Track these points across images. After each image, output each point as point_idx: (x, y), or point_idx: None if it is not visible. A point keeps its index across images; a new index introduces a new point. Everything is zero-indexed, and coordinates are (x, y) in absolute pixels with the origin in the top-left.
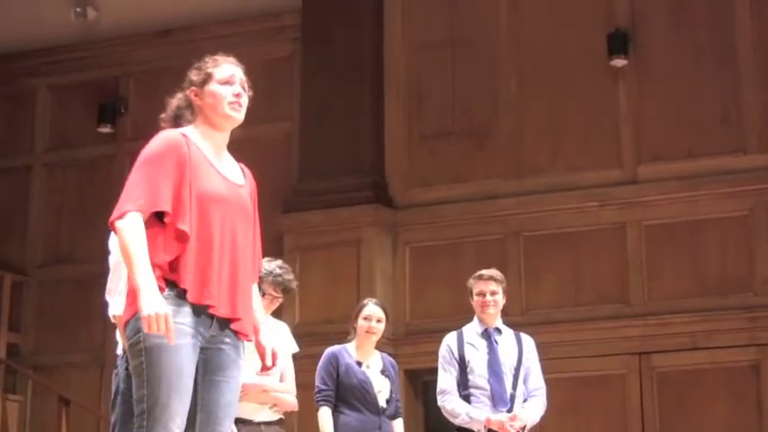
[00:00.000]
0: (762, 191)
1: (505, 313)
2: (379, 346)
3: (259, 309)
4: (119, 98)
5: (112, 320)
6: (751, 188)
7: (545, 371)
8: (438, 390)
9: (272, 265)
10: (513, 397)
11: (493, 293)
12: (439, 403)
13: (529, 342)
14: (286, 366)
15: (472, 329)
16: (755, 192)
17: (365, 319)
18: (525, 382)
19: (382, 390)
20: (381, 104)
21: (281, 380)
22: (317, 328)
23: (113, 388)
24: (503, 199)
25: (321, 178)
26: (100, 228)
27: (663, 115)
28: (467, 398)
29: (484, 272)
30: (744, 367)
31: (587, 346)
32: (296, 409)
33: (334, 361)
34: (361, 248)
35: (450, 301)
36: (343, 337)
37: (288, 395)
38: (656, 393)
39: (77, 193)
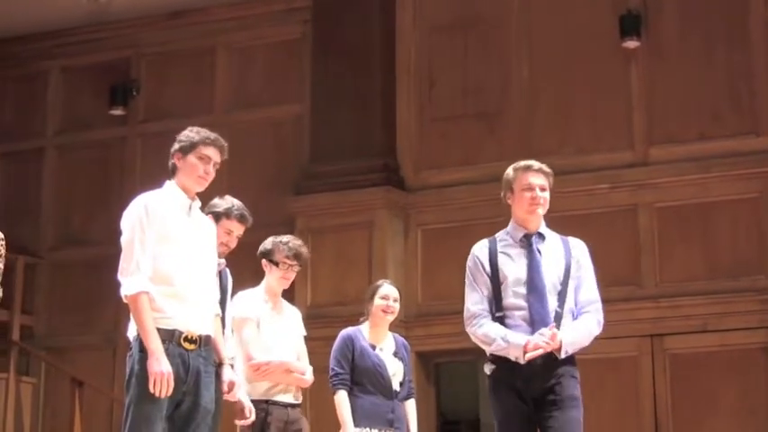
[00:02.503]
0: None
1: None
2: (391, 329)
3: None
4: (130, 80)
5: (124, 300)
6: (762, 170)
7: None
8: (465, 313)
9: (280, 237)
10: (558, 316)
11: (542, 189)
12: (467, 329)
13: (579, 247)
14: (301, 349)
15: (508, 236)
16: (767, 174)
17: (383, 298)
18: (576, 295)
19: (396, 373)
20: (392, 87)
21: (298, 360)
22: (329, 311)
23: (127, 369)
24: None
25: (332, 161)
26: (112, 209)
27: (674, 97)
28: (501, 321)
29: (531, 162)
30: (754, 349)
31: None
32: (310, 383)
33: (350, 343)
34: (372, 231)
35: (461, 283)
36: (354, 319)
37: (306, 375)
38: (667, 375)
39: (89, 176)
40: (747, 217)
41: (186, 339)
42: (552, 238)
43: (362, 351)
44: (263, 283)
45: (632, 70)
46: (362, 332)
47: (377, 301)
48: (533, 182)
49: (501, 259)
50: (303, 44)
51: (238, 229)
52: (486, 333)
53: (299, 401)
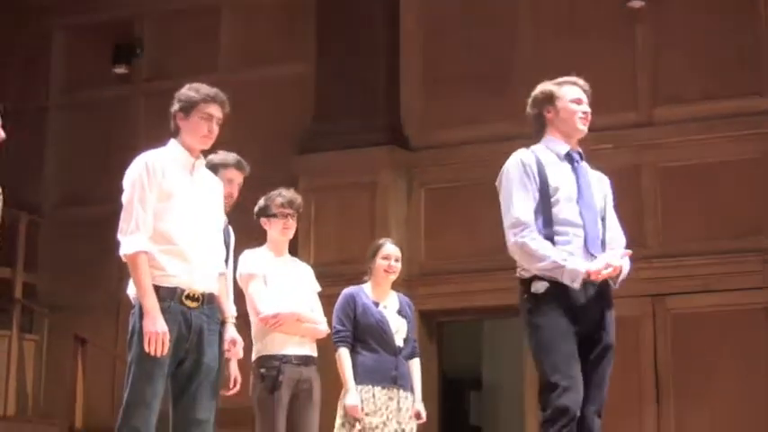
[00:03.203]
0: None
1: None
2: (394, 287)
3: None
4: (134, 39)
5: (123, 260)
6: (766, 131)
7: None
8: (511, 221)
9: (271, 192)
10: (604, 244)
11: (588, 105)
12: (513, 239)
13: (608, 183)
14: (315, 303)
15: (548, 150)
16: None
17: (384, 258)
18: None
19: (399, 330)
20: (397, 46)
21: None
22: (332, 270)
23: (130, 327)
24: (518, 140)
25: (336, 120)
26: (115, 168)
27: (679, 57)
28: (551, 239)
29: (575, 78)
30: (756, 310)
31: None
32: (326, 334)
33: (352, 301)
34: (376, 190)
35: (465, 243)
36: (358, 278)
37: (319, 325)
38: (669, 335)
39: (92, 135)
40: (750, 177)
41: (188, 297)
42: (585, 164)
43: (365, 308)
44: (267, 241)
45: (637, 30)
46: (365, 290)
47: (379, 260)
48: (581, 97)
49: (549, 169)
50: (308, 2)
51: (238, 177)
52: (538, 249)
53: (315, 355)
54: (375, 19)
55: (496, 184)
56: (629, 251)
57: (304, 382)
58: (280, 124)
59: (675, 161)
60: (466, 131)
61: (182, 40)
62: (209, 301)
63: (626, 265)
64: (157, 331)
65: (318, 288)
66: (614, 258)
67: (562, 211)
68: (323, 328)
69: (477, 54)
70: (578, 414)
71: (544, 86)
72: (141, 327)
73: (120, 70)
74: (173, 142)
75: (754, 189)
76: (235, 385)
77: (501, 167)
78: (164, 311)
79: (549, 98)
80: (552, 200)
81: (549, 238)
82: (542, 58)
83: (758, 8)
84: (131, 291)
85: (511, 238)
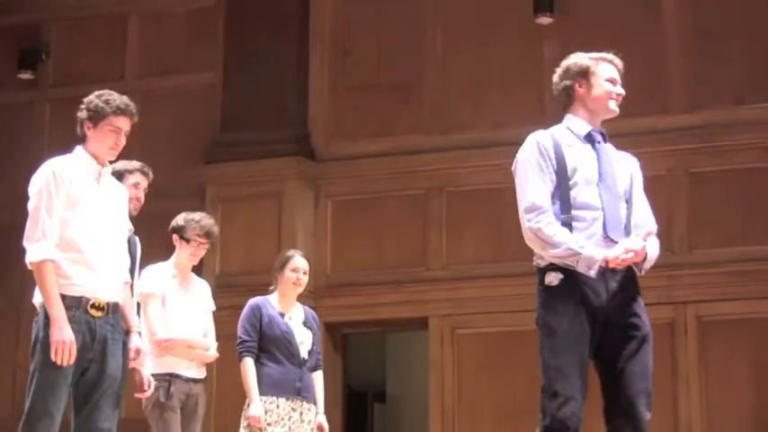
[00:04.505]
0: (682, 151)
1: (426, 267)
2: (300, 299)
3: None
4: (41, 44)
5: (29, 267)
6: (672, 148)
7: (468, 325)
8: (525, 205)
9: (192, 215)
10: (627, 228)
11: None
12: (527, 225)
13: (636, 163)
14: (209, 325)
15: (568, 131)
16: (676, 152)
17: (293, 270)
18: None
19: (304, 341)
20: (306, 56)
21: (205, 336)
22: (238, 280)
23: (33, 335)
24: (426, 154)
25: (244, 130)
26: (19, 174)
27: None
28: (568, 225)
29: (611, 55)
30: (659, 325)
31: (508, 301)
32: (214, 359)
33: (258, 312)
34: (282, 201)
35: (371, 255)
36: (263, 288)
37: (210, 351)
38: None
39: None
40: (656, 194)
41: (93, 306)
42: (609, 145)
43: (270, 319)
44: (173, 257)
45: (545, 46)
46: (271, 301)
47: (287, 272)
48: (614, 76)
49: (567, 151)
50: (217, 12)
51: (143, 181)
52: (554, 235)
53: (202, 377)
54: (284, 30)
55: (513, 169)
56: (652, 231)
57: (191, 398)
58: (187, 133)
59: None
60: (373, 143)
61: (89, 46)
62: (113, 310)
63: (652, 248)
64: (65, 340)
65: (213, 307)
66: (634, 242)
67: (580, 194)
68: (212, 353)
69: (386, 66)
70: (579, 425)
71: (579, 59)
72: (45, 335)
73: (26, 75)
74: (79, 149)
75: (660, 206)
76: (149, 386)
77: (407, 180)
78: (69, 320)
79: (585, 72)
80: (570, 182)
81: (567, 223)
82: (451, 72)
83: (664, 26)
84: (37, 299)
85: (525, 223)
